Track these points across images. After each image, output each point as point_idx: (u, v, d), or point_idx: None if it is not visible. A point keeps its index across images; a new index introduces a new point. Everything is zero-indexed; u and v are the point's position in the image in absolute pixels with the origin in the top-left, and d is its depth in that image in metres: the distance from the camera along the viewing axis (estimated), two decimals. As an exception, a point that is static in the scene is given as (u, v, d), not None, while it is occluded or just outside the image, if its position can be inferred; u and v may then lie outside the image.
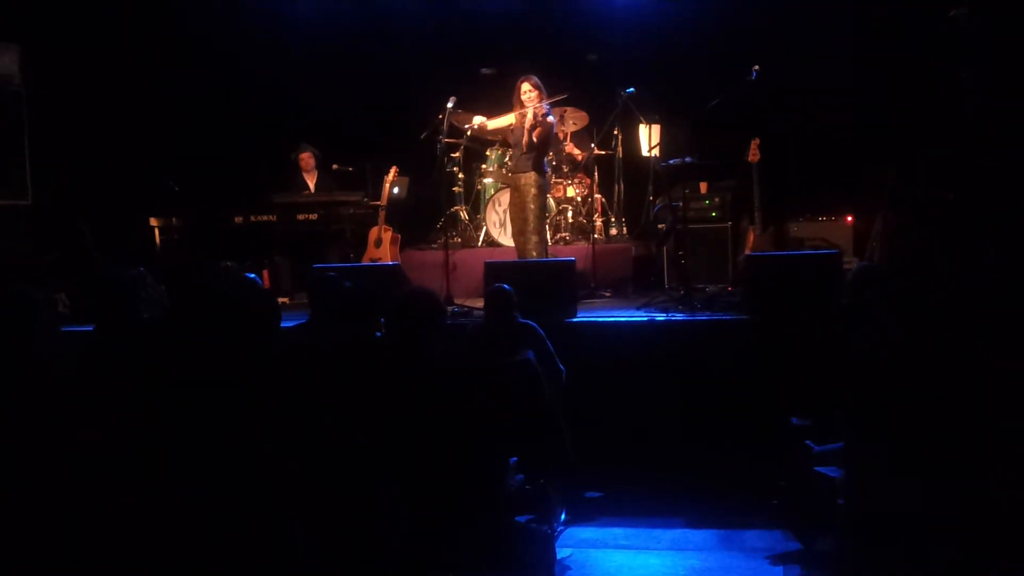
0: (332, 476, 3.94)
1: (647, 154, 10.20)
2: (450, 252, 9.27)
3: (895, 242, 8.51)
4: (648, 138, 10.23)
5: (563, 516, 6.10)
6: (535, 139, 8.53)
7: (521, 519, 4.78)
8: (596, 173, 10.56)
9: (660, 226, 9.70)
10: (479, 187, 10.86)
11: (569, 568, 5.61)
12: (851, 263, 8.49)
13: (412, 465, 4.03)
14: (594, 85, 10.27)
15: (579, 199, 10.55)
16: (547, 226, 9.23)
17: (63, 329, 6.86)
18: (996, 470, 4.07)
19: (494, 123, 9.10)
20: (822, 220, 9.75)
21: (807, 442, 5.39)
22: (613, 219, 10.80)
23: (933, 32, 8.76)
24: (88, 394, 4.00)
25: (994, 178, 8.04)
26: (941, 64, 8.61)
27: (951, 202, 8.13)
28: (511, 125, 8.87)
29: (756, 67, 8.29)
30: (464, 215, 10.81)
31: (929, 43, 8.84)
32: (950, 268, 7.36)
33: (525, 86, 8.60)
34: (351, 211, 9.83)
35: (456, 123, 9.71)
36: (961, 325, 4.53)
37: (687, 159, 9.03)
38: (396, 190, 10.37)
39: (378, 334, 5.15)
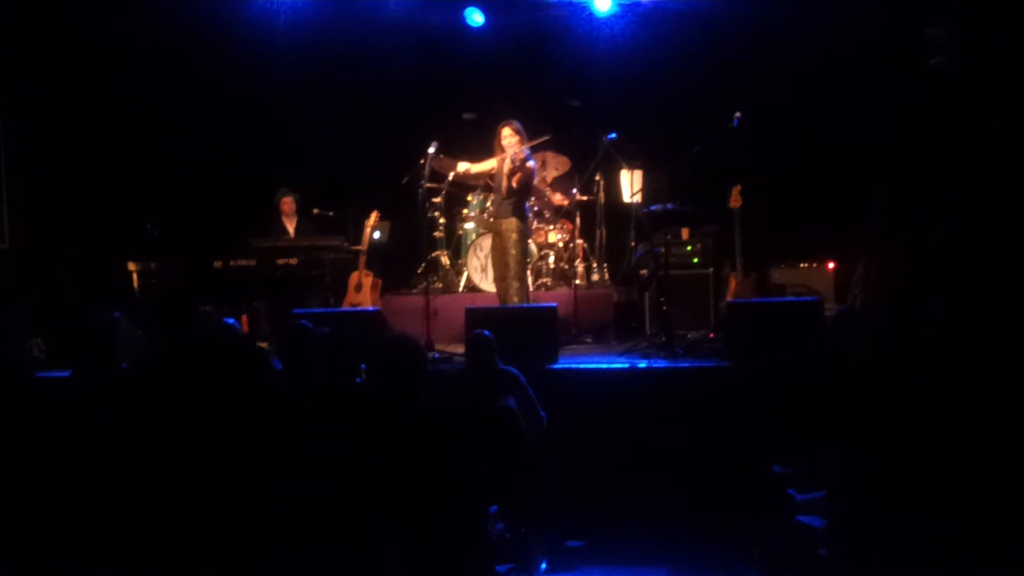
0: (312, 522, 3.90)
1: (629, 200, 10.23)
2: (431, 297, 9.25)
3: (877, 288, 8.55)
4: (630, 184, 10.27)
5: (544, 565, 6.04)
6: (515, 184, 8.54)
7: (501, 568, 4.74)
8: (578, 218, 10.58)
9: (642, 272, 9.72)
10: (460, 232, 10.87)
11: (549, 618, 5.56)
12: (832, 310, 8.51)
13: (391, 512, 3.99)
14: (576, 131, 10.31)
15: (561, 244, 10.56)
16: (529, 271, 9.22)
17: (39, 375, 6.78)
18: (981, 518, 4.07)
19: (477, 167, 9.11)
20: (803, 267, 9.80)
21: (789, 491, 5.36)
22: (595, 265, 10.81)
23: (914, 79, 8.86)
24: (66, 438, 3.97)
25: (976, 224, 8.10)
26: (922, 110, 8.70)
27: (933, 247, 8.18)
28: (493, 169, 8.88)
29: (738, 114, 8.35)
30: (445, 260, 10.80)
31: (911, 90, 8.94)
32: (932, 313, 7.40)
33: (506, 131, 8.62)
34: (331, 255, 9.82)
35: (438, 168, 9.72)
36: (945, 370, 4.54)
37: (669, 205, 9.08)
38: (377, 235, 10.37)
39: (358, 380, 5.11)
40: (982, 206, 8.06)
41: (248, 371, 4.31)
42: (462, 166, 9.24)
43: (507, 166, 8.57)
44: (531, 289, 9.31)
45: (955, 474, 4.11)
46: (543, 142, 9.26)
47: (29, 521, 3.84)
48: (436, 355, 8.17)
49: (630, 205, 10.20)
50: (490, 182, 9.17)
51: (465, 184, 10.57)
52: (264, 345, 8.97)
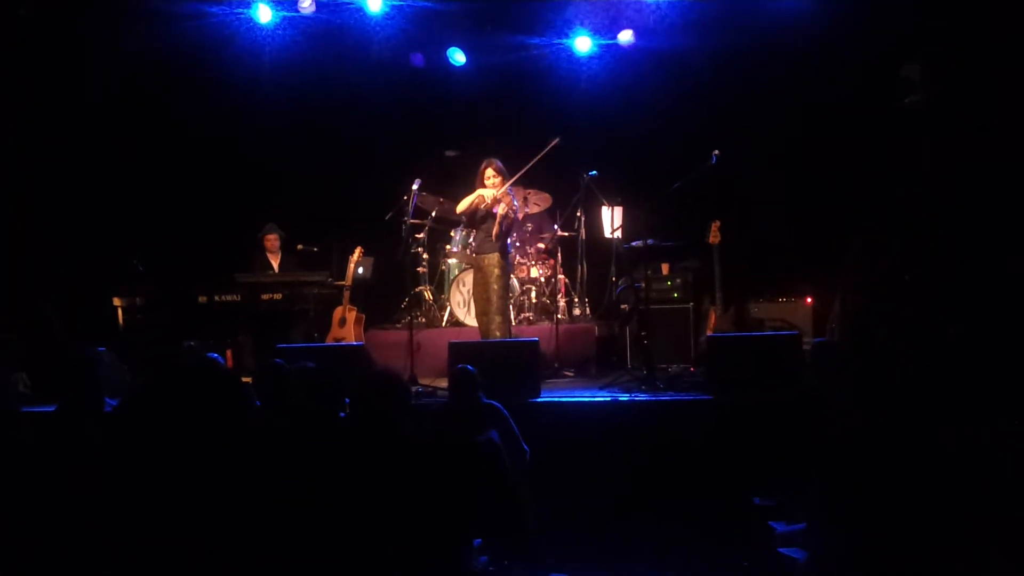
0: (296, 557, 3.91)
1: (610, 236, 10.32)
2: (414, 332, 9.29)
3: (854, 323, 8.63)
4: (611, 220, 10.35)
5: (527, 598, 6.04)
6: (504, 229, 8.66)
7: (485, 601, 4.74)
8: (559, 254, 10.65)
9: (623, 306, 9.78)
10: (443, 267, 10.93)
11: (533, 651, 5.55)
12: (811, 344, 8.58)
13: (375, 546, 4.01)
14: (557, 168, 10.42)
15: (543, 279, 10.63)
16: (511, 306, 9.27)
17: (24, 409, 6.78)
18: (957, 550, 4.10)
19: (463, 205, 9.09)
20: (782, 301, 9.87)
21: (771, 523, 5.40)
22: (576, 299, 10.87)
23: (891, 116, 8.99)
24: (53, 474, 3.97)
25: (952, 259, 8.20)
26: (900, 148, 8.82)
27: (909, 282, 8.28)
28: (474, 203, 8.88)
29: (716, 152, 8.45)
30: (428, 295, 10.85)
31: (888, 126, 9.07)
32: (909, 348, 7.46)
33: (489, 171, 8.70)
34: (315, 291, 9.82)
35: (421, 204, 9.78)
36: (921, 406, 4.58)
37: (649, 241, 9.14)
38: (361, 270, 10.41)
39: (342, 415, 5.14)
40: (956, 243, 8.18)
41: (228, 407, 4.33)
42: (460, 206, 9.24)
43: (501, 209, 8.62)
44: (513, 324, 9.36)
45: (935, 506, 4.15)
46: (551, 148, 9.18)
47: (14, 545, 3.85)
48: (419, 389, 8.20)
49: (611, 241, 10.29)
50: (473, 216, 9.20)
51: (448, 220, 10.64)
52: (248, 380, 8.98)
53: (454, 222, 10.70)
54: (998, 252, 8.02)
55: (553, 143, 9.01)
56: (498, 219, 8.64)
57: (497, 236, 8.69)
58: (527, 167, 9.02)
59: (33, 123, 10.25)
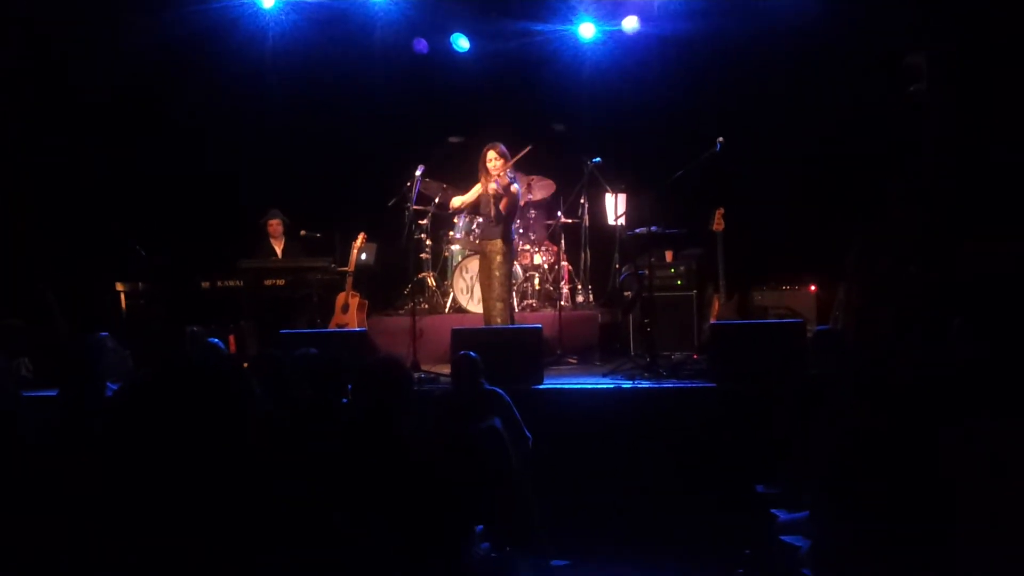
0: (296, 547, 3.91)
1: (613, 223, 10.30)
2: (417, 318, 9.27)
3: (858, 313, 8.61)
4: (614, 207, 10.34)
5: (529, 585, 6.04)
6: (502, 209, 8.62)
7: (487, 588, 4.74)
8: (563, 241, 10.64)
9: (626, 294, 9.76)
10: (446, 254, 10.91)
11: (535, 638, 5.56)
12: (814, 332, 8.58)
13: (376, 534, 4.00)
14: (561, 155, 10.39)
15: (546, 266, 10.61)
16: (514, 293, 9.25)
17: (25, 394, 6.78)
18: (958, 540, 4.10)
19: (465, 198, 9.09)
20: (786, 289, 9.85)
21: (773, 511, 5.39)
22: (580, 286, 10.86)
23: (895, 106, 8.96)
24: (52, 473, 3.96)
25: (956, 250, 8.19)
26: (903, 137, 8.79)
27: (913, 274, 8.26)
28: (479, 194, 8.90)
29: (720, 139, 8.42)
30: (431, 281, 10.84)
31: (892, 117, 9.03)
32: (912, 339, 7.46)
33: (491, 154, 8.68)
34: (318, 277, 9.81)
35: (424, 191, 9.75)
36: (923, 398, 4.57)
37: (652, 228, 9.12)
38: (364, 256, 10.39)
39: (344, 401, 5.14)
40: (960, 232, 8.15)
41: (231, 404, 4.31)
42: (456, 201, 9.24)
43: (492, 189, 8.62)
44: (516, 310, 9.34)
45: (937, 496, 4.14)
46: (526, 154, 9.17)
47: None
48: (422, 376, 8.19)
49: (614, 228, 10.27)
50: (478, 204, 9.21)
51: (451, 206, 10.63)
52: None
53: (457, 208, 10.67)
54: (999, 249, 8.01)
55: (526, 149, 8.99)
56: (492, 198, 8.61)
57: (498, 219, 8.67)
58: (523, 152, 8.91)
59: (36, 111, 10.24)
